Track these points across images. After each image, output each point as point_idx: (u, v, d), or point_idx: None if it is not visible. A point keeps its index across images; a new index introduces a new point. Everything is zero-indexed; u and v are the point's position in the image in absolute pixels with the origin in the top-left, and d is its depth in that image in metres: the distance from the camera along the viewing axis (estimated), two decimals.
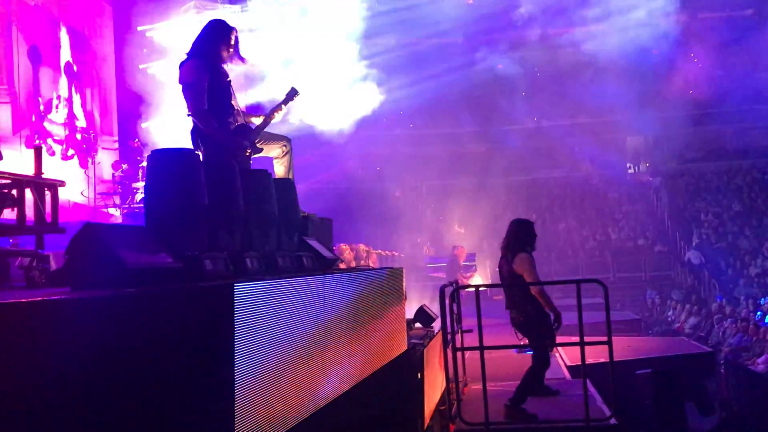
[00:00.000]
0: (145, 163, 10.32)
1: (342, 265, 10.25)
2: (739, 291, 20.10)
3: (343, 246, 11.85)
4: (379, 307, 5.61)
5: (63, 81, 15.02)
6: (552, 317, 6.63)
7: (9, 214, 5.62)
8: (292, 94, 5.94)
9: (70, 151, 14.40)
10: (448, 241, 22.20)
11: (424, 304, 8.99)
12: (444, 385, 7.08)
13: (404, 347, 6.56)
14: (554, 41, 24.74)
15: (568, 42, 24.28)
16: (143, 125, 17.05)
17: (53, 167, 13.57)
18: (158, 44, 17.80)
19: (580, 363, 6.41)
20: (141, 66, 17.59)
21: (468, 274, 16.91)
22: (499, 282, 7.41)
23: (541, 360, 6.80)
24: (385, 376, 5.67)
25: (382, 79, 21.55)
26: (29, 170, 5.88)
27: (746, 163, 27.63)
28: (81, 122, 15.26)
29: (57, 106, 14.57)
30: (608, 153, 28.30)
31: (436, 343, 7.67)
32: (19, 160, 11.58)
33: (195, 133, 5.43)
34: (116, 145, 16.76)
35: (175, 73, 5.50)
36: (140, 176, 13.60)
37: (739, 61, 25.26)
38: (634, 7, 22.66)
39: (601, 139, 27.69)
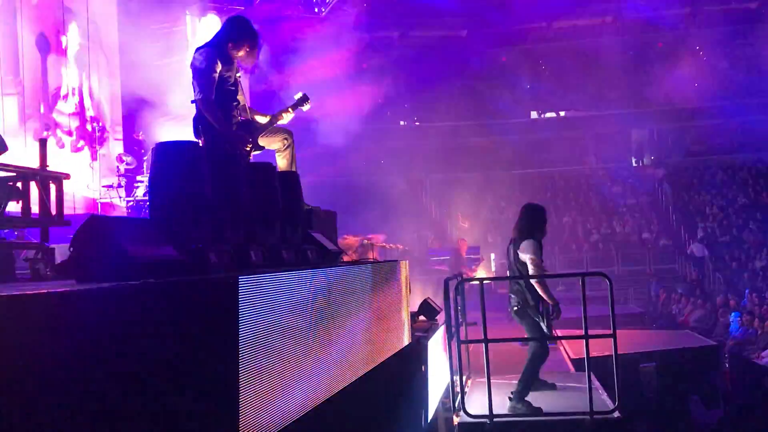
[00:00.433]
0: (149, 156, 10.32)
1: (346, 257, 10.26)
2: (744, 284, 20.06)
3: (349, 237, 11.86)
4: (384, 300, 5.62)
5: (72, 69, 14.92)
6: (550, 307, 6.62)
7: (14, 206, 5.63)
8: (303, 100, 5.93)
9: (81, 143, 14.33)
10: (452, 234, 22.21)
11: (429, 297, 9.00)
12: (448, 377, 7.09)
13: (408, 340, 6.57)
14: (559, 34, 24.68)
15: (573, 35, 24.23)
16: (148, 118, 17.04)
17: (63, 159, 13.56)
18: (166, 40, 17.78)
19: (584, 356, 6.41)
20: (148, 59, 17.57)
21: (473, 267, 16.95)
22: (505, 273, 7.42)
23: (538, 350, 6.79)
24: (389, 368, 5.67)
25: (386, 72, 21.57)
26: (36, 162, 5.89)
27: (751, 156, 27.55)
28: (90, 112, 15.22)
29: (66, 96, 14.49)
30: (612, 146, 28.26)
31: (440, 336, 7.68)
32: (24, 152, 11.56)
33: (197, 121, 5.43)
34: (121, 137, 16.73)
35: (180, 69, 5.51)
36: (144, 169, 13.59)
37: (744, 54, 25.16)
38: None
39: (605, 133, 27.64)
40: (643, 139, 31.33)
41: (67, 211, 6.01)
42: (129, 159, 14.05)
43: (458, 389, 6.91)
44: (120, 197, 13.66)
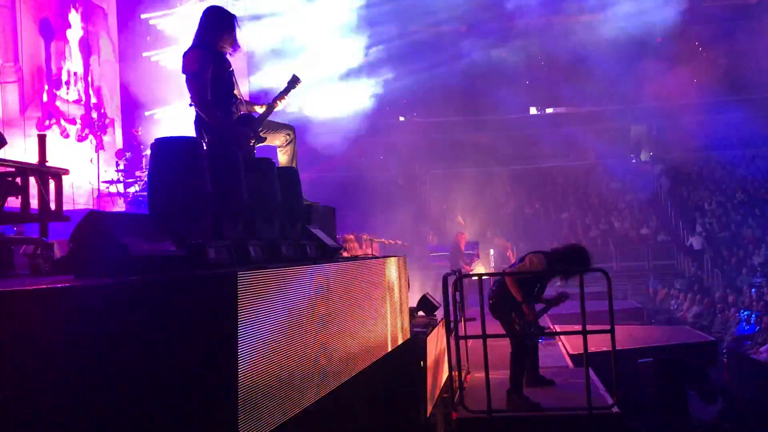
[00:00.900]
0: (148, 152, 10.31)
1: (346, 254, 10.27)
2: (742, 280, 20.08)
3: (350, 237, 11.88)
4: (382, 296, 5.62)
5: (76, 56, 14.78)
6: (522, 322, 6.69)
7: (14, 201, 5.63)
8: (294, 81, 5.90)
9: (85, 131, 14.25)
10: (451, 229, 22.21)
11: (427, 293, 9.01)
12: (447, 373, 7.10)
13: (407, 335, 6.58)
14: (557, 29, 24.66)
15: (572, 30, 24.21)
16: (146, 113, 17.05)
17: (69, 149, 13.47)
18: (162, 32, 17.78)
19: (582, 351, 6.42)
20: (144, 54, 17.58)
21: (469, 261, 16.95)
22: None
23: (516, 346, 6.80)
24: (388, 364, 5.68)
25: (385, 68, 21.54)
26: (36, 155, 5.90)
27: (750, 152, 27.56)
28: (93, 99, 15.15)
29: (68, 83, 14.38)
30: (611, 142, 28.26)
31: (439, 332, 7.69)
32: (22, 146, 11.52)
33: (198, 123, 5.43)
34: (120, 131, 16.73)
35: (178, 62, 5.49)
36: (143, 164, 13.60)
37: (745, 49, 25.14)
38: None
39: (604, 128, 27.64)
40: (641, 134, 31.34)
41: (67, 206, 6.00)
42: (128, 155, 14.06)
43: (457, 385, 6.93)
44: (119, 193, 13.67)
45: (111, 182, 14.00)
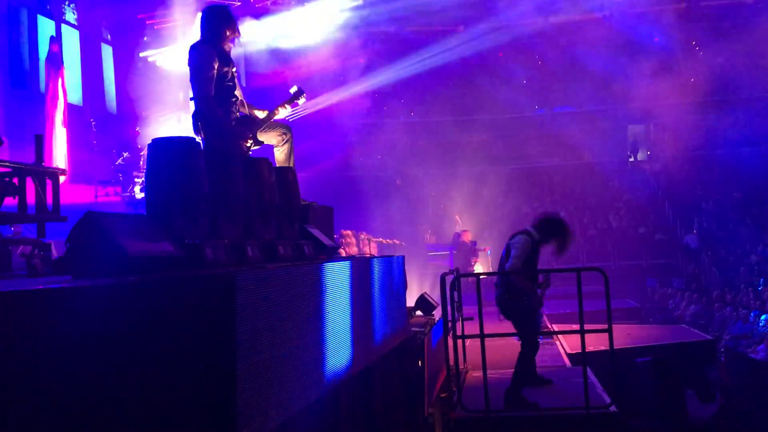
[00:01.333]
0: (146, 151, 10.32)
1: (343, 252, 10.27)
2: (739, 279, 20.10)
3: (347, 233, 11.87)
4: (380, 295, 5.62)
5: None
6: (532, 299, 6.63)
7: (11, 202, 5.62)
8: (298, 94, 5.96)
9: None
10: (449, 229, 22.20)
11: (425, 292, 9.02)
12: (445, 372, 7.11)
13: (405, 335, 6.58)
14: (556, 29, 24.67)
15: (570, 30, 24.22)
16: (143, 112, 17.03)
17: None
18: (159, 32, 17.75)
19: (580, 351, 6.43)
20: (141, 54, 17.56)
21: (477, 254, 17.09)
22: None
23: (527, 344, 6.78)
24: (386, 363, 5.69)
25: (383, 68, 21.54)
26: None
27: (747, 151, 27.57)
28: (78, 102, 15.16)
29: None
30: (609, 141, 28.26)
31: (437, 331, 7.70)
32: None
33: (197, 118, 5.44)
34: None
35: (176, 63, 5.50)
36: (141, 164, 13.59)
37: (741, 49, 25.14)
38: None
39: (601, 128, 27.64)
40: (639, 134, 31.34)
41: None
42: (126, 155, 14.05)
43: (455, 384, 6.93)
44: (116, 193, 13.66)
45: (109, 182, 13.99)
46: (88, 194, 13.80)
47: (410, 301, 8.10)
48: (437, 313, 8.10)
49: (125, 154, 14.44)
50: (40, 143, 6.03)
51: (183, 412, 2.83)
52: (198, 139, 5.28)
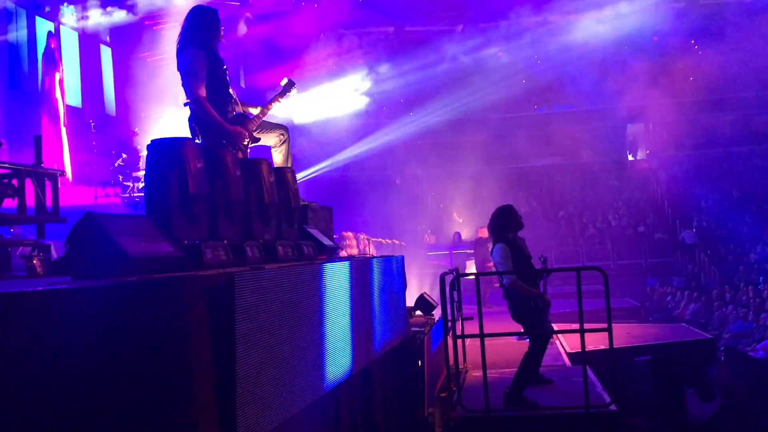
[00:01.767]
0: (144, 152, 10.31)
1: (343, 253, 10.27)
2: (739, 277, 20.11)
3: (348, 234, 11.88)
4: (380, 295, 5.62)
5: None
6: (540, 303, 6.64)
7: (10, 203, 5.62)
8: (289, 86, 5.97)
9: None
10: (449, 228, 22.21)
11: (425, 292, 9.01)
12: (445, 372, 7.11)
13: (405, 335, 6.58)
14: (554, 28, 24.67)
15: (569, 28, 24.22)
16: (142, 114, 17.01)
17: None
18: (157, 34, 17.73)
19: (580, 350, 6.43)
20: (141, 54, 17.54)
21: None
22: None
23: (536, 347, 6.79)
24: (386, 363, 5.69)
25: (380, 67, 21.53)
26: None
27: (746, 150, 27.58)
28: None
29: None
30: (608, 140, 28.27)
31: (437, 331, 7.70)
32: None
33: (193, 122, 5.44)
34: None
35: (173, 62, 5.50)
36: (140, 165, 13.58)
37: (741, 48, 25.14)
38: None
39: (601, 127, 27.65)
40: (638, 133, 31.36)
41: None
42: (125, 156, 14.04)
43: (455, 384, 6.93)
44: (116, 194, 13.65)
45: (108, 183, 13.98)
46: (88, 195, 13.79)
47: (410, 300, 8.10)
48: (437, 313, 8.10)
49: (124, 156, 14.43)
50: (39, 144, 6.03)
51: (183, 412, 2.83)
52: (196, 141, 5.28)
